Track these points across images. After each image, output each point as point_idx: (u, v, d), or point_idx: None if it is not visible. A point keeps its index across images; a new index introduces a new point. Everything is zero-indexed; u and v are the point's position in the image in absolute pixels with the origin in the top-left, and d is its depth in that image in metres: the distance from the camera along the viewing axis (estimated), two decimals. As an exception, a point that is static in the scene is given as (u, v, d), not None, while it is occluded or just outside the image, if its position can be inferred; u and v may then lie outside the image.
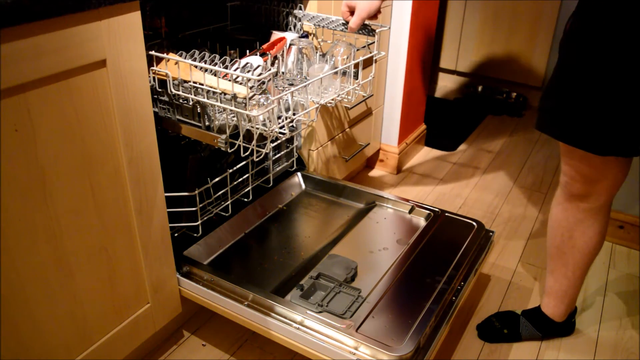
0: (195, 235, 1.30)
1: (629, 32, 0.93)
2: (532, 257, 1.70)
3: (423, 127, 2.37)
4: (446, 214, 1.47)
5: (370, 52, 1.36)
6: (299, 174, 1.64)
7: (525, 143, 2.50)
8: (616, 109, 0.99)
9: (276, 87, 1.20)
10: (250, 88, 1.00)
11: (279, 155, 1.57)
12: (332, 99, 1.30)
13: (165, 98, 1.15)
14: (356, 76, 1.33)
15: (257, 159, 1.35)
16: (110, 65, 0.90)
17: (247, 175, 1.44)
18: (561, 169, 1.17)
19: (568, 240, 1.22)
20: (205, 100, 1.06)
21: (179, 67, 1.07)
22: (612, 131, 1.01)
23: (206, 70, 1.06)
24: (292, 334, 1.08)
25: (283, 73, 1.30)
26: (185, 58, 1.05)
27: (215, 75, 1.05)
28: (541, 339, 1.38)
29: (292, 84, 1.23)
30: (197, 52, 1.06)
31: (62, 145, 0.87)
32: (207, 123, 1.13)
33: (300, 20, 1.45)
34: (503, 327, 1.38)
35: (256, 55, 1.21)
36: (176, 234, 1.28)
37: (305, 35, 1.43)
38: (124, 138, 0.97)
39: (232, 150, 1.12)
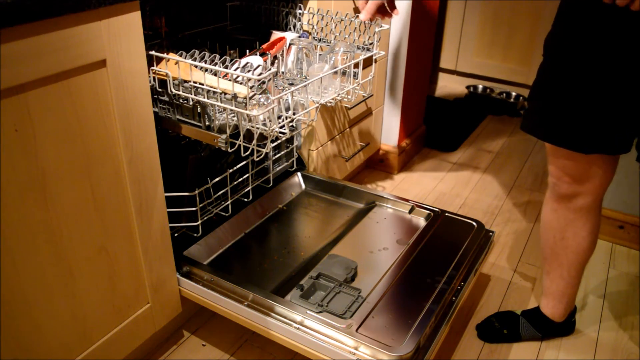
0: (195, 235, 1.30)
1: (610, 32, 0.93)
2: (532, 257, 1.70)
3: (423, 127, 2.37)
4: (446, 214, 1.47)
5: (370, 52, 1.36)
6: (299, 174, 1.64)
7: (525, 143, 2.50)
8: (599, 107, 0.99)
9: (276, 86, 1.20)
10: (251, 88, 1.00)
11: (279, 155, 1.57)
12: (332, 99, 1.30)
13: (165, 98, 1.15)
14: (356, 76, 1.33)
15: (257, 159, 1.35)
16: (110, 65, 0.90)
17: (247, 175, 1.44)
18: (548, 170, 1.17)
19: (560, 241, 1.22)
20: (205, 100, 1.06)
21: (179, 67, 1.07)
22: (595, 129, 1.01)
23: (206, 70, 1.06)
24: (292, 334, 1.08)
25: (283, 73, 1.30)
26: (185, 58, 1.05)
27: (215, 75, 1.05)
28: (541, 339, 1.38)
29: (292, 84, 1.23)
30: (197, 52, 1.06)
31: (62, 145, 0.87)
32: (207, 123, 1.13)
33: (300, 19, 1.45)
34: (503, 328, 1.38)
35: (256, 55, 1.21)
36: (176, 234, 1.28)
37: (305, 34, 1.43)
38: (124, 138, 0.97)
39: (232, 150, 1.12)
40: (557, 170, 1.15)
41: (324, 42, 1.43)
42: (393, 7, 1.22)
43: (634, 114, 0.99)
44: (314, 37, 1.44)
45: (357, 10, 1.63)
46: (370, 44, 1.38)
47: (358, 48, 1.37)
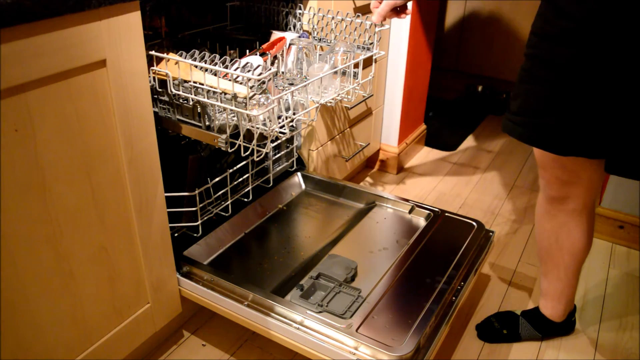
0: (195, 235, 1.30)
1: (591, 34, 0.91)
2: (532, 257, 1.70)
3: (423, 127, 2.37)
4: (446, 214, 1.47)
5: (370, 52, 1.36)
6: (299, 174, 1.64)
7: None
8: (577, 109, 0.98)
9: (276, 86, 1.20)
10: (251, 88, 1.00)
11: (279, 155, 1.57)
12: (332, 99, 1.30)
13: (166, 98, 1.15)
14: (356, 76, 1.33)
15: (257, 159, 1.35)
16: (110, 65, 0.90)
17: (247, 175, 1.44)
18: (539, 173, 1.17)
19: (555, 243, 1.22)
20: (205, 100, 1.06)
21: (179, 67, 1.07)
22: (572, 131, 1.00)
23: (206, 70, 1.06)
24: (292, 334, 1.08)
25: (283, 73, 1.30)
26: (185, 58, 1.05)
27: (215, 75, 1.05)
28: (541, 339, 1.38)
29: (292, 84, 1.23)
30: (197, 52, 1.06)
31: (62, 145, 0.87)
32: (207, 123, 1.13)
33: (300, 19, 1.45)
34: (502, 328, 1.38)
35: (256, 55, 1.22)
36: (176, 234, 1.28)
37: (305, 35, 1.43)
38: (124, 138, 0.97)
39: (232, 150, 1.12)
40: (546, 173, 1.14)
41: (324, 41, 1.43)
42: (405, 8, 1.21)
43: (611, 118, 0.97)
44: (314, 37, 1.45)
45: (357, 10, 1.63)
46: (370, 44, 1.38)
47: (358, 47, 1.37)
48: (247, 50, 1.37)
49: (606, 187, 1.72)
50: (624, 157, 1.01)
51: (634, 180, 1.12)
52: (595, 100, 0.96)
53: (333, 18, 1.41)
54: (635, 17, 0.87)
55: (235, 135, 1.12)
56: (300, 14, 1.45)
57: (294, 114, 1.20)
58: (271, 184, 1.54)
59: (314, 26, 1.45)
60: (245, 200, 1.46)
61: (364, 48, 1.37)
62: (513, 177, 2.19)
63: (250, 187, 1.45)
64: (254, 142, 1.10)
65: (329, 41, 1.42)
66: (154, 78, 1.11)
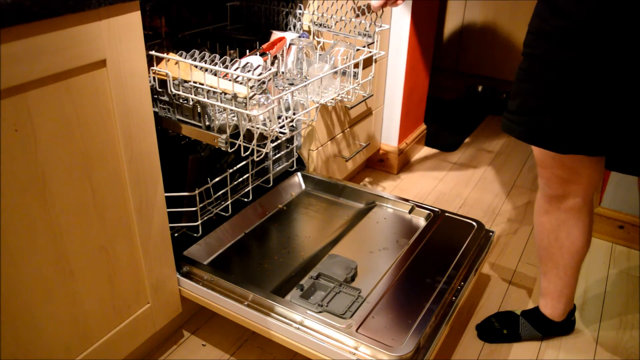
0: (195, 235, 1.30)
1: (590, 33, 0.91)
2: (532, 257, 1.70)
3: (423, 127, 2.37)
4: (446, 214, 1.47)
5: (370, 52, 1.36)
6: (299, 174, 1.64)
7: (525, 143, 2.50)
8: (576, 108, 0.98)
9: (276, 86, 1.20)
10: (251, 88, 1.00)
11: (279, 155, 1.57)
12: (332, 99, 1.30)
13: (166, 98, 1.15)
14: (356, 76, 1.33)
15: (257, 159, 1.35)
16: (110, 65, 0.90)
17: (247, 175, 1.44)
18: (537, 172, 1.17)
19: (554, 242, 1.22)
20: (205, 100, 1.06)
21: (179, 67, 1.07)
22: (572, 129, 1.01)
23: (206, 70, 1.06)
24: (292, 334, 1.08)
25: (283, 73, 1.30)
26: (185, 58, 1.05)
27: (215, 75, 1.05)
28: (541, 339, 1.38)
29: (292, 84, 1.23)
30: (197, 52, 1.06)
31: (62, 145, 0.87)
32: (207, 123, 1.13)
33: (300, 19, 1.45)
34: (503, 328, 1.38)
35: (256, 55, 1.22)
36: (176, 234, 1.28)
37: (305, 34, 1.43)
38: (124, 138, 0.97)
39: (232, 150, 1.12)
40: (546, 172, 1.15)
41: (325, 27, 1.40)
42: None
43: (611, 116, 0.97)
44: (314, 22, 1.42)
45: (357, 10, 1.63)
46: (370, 43, 1.37)
47: (359, 34, 1.36)
48: (247, 50, 1.37)
49: (606, 188, 1.72)
50: (625, 153, 1.01)
51: (635, 176, 1.12)
52: (594, 98, 0.96)
53: (333, 16, 1.41)
54: (634, 17, 0.87)
55: (235, 135, 1.12)
56: (300, 14, 1.45)
57: (294, 114, 1.20)
58: (271, 184, 1.54)
59: (317, 15, 1.43)
60: (245, 200, 1.46)
61: (364, 35, 1.36)
62: (513, 177, 2.19)
63: (250, 187, 1.45)
64: (254, 142, 1.10)
65: (329, 27, 1.41)
66: (154, 78, 1.11)
